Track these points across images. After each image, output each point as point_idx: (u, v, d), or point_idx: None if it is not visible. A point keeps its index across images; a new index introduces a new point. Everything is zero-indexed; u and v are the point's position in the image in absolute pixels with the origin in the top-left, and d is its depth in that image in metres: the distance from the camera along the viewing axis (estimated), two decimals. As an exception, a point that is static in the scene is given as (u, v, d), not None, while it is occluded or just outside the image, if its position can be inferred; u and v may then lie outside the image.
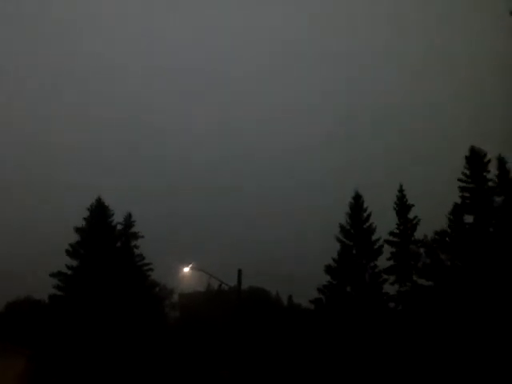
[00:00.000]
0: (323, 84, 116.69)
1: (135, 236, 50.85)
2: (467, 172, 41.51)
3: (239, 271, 32.96)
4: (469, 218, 40.61)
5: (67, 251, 47.51)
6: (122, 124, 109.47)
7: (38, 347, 40.71)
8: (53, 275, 46.86)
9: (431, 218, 45.18)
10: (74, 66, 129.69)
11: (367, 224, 44.65)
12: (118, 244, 50.40)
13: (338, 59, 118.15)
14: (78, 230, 48.19)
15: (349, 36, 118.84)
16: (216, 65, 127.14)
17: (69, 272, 47.24)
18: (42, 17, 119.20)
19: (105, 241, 48.19)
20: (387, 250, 43.53)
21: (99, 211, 49.35)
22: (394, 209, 44.34)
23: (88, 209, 49.12)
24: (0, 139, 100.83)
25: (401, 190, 44.64)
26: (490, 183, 40.80)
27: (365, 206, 45.23)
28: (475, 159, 41.56)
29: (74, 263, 47.53)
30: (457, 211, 40.85)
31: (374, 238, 44.09)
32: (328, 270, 43.87)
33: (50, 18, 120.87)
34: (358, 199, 45.48)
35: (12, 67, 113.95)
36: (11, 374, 35.36)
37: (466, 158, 41.89)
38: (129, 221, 50.94)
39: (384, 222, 45.28)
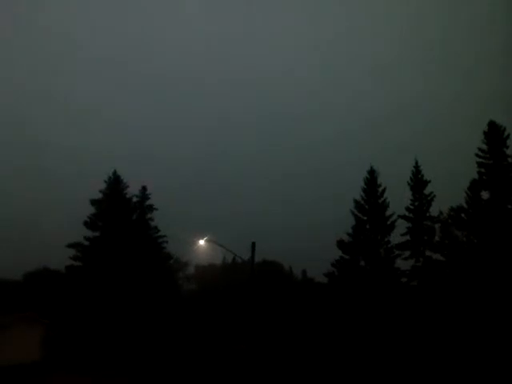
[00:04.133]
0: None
1: (150, 208, 51.21)
2: (485, 147, 40.78)
3: (253, 244, 33.13)
4: (486, 195, 40.10)
5: (85, 222, 47.98)
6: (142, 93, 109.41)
7: (57, 316, 41.65)
8: (70, 246, 47.54)
9: (447, 194, 44.83)
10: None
11: (382, 199, 44.48)
12: (134, 216, 50.81)
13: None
14: (93, 202, 48.61)
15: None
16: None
17: (86, 243, 47.86)
18: None
19: (121, 213, 48.61)
20: (403, 225, 43.43)
21: (115, 184, 49.67)
22: (409, 184, 43.92)
23: (105, 181, 49.45)
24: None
25: (416, 166, 44.14)
26: (509, 159, 40.08)
27: (379, 181, 45.07)
28: (494, 134, 40.71)
29: (92, 234, 48.11)
30: (474, 187, 40.32)
31: (388, 213, 43.99)
32: (341, 244, 43.97)
33: None
34: (372, 174, 45.23)
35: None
36: (32, 341, 36.53)
37: (485, 132, 41.04)
38: (144, 193, 51.26)
39: (399, 198, 45.05)
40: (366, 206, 44.40)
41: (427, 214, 42.88)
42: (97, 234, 47.95)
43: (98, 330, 41.71)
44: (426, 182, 43.58)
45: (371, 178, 45.19)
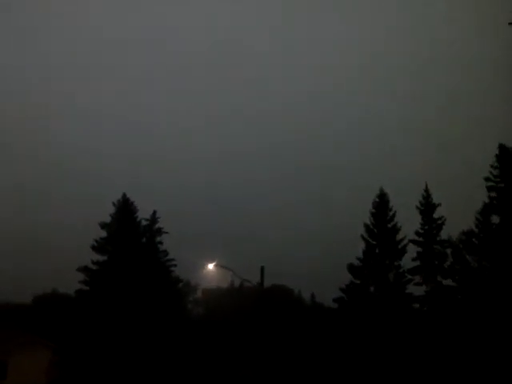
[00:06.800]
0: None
1: (160, 232, 51.25)
2: (495, 171, 40.44)
3: (262, 268, 32.90)
4: (496, 219, 39.62)
5: (93, 247, 48.10)
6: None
7: (64, 341, 41.55)
8: (79, 270, 47.58)
9: (457, 218, 44.39)
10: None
11: (392, 223, 43.88)
12: (143, 240, 50.85)
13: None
14: (103, 225, 48.80)
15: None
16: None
17: (95, 267, 47.91)
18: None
19: (130, 237, 48.66)
20: (413, 249, 42.82)
21: (125, 207, 49.88)
22: (418, 208, 43.37)
23: (114, 204, 49.68)
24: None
25: (426, 190, 43.78)
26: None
27: (390, 204, 44.51)
28: (505, 157, 40.40)
29: (100, 258, 48.18)
30: (484, 211, 39.86)
31: (398, 237, 43.42)
32: (351, 269, 43.45)
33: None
34: (382, 197, 44.73)
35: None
36: (38, 365, 36.45)
37: (496, 156, 40.75)
38: (154, 217, 51.35)
39: (409, 221, 44.53)
40: (375, 230, 43.89)
41: (437, 239, 42.36)
42: (105, 257, 48.06)
43: (106, 354, 41.45)
44: (435, 206, 43.07)
45: (381, 202, 44.64)
